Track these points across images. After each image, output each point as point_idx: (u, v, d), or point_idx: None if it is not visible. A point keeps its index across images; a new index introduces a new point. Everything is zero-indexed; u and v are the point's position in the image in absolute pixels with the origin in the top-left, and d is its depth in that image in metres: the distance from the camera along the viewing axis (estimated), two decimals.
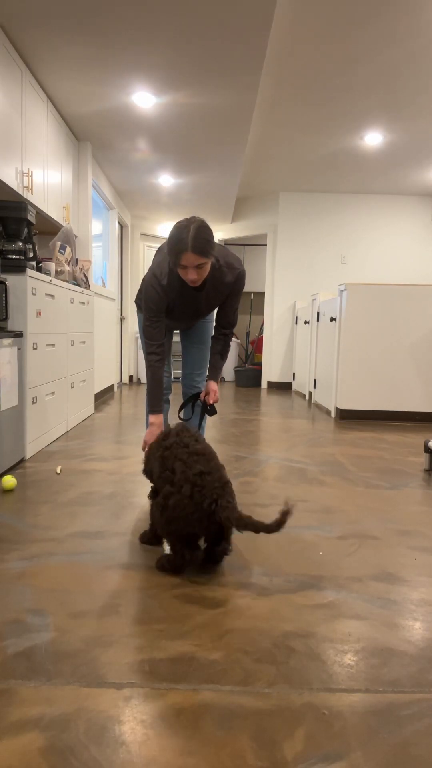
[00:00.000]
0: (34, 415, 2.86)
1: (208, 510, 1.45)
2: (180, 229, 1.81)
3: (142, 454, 2.97)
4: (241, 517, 1.43)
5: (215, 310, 2.29)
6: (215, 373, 2.23)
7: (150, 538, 1.75)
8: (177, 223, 1.85)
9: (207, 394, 2.20)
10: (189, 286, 2.03)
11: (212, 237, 1.85)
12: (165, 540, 1.62)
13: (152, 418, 2.05)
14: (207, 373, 2.31)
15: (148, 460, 1.82)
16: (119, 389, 6.24)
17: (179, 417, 2.23)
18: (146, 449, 1.92)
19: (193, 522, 1.48)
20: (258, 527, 1.40)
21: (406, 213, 6.59)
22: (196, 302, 2.10)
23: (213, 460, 1.58)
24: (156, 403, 2.05)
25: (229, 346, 2.26)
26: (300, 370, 6.26)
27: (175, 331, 2.50)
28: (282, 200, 6.57)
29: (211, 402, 2.18)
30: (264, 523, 1.39)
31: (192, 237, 1.79)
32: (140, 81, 3.32)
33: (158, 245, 7.39)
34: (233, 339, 7.91)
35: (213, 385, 2.20)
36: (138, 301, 2.15)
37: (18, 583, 1.46)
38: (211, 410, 2.20)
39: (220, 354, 2.24)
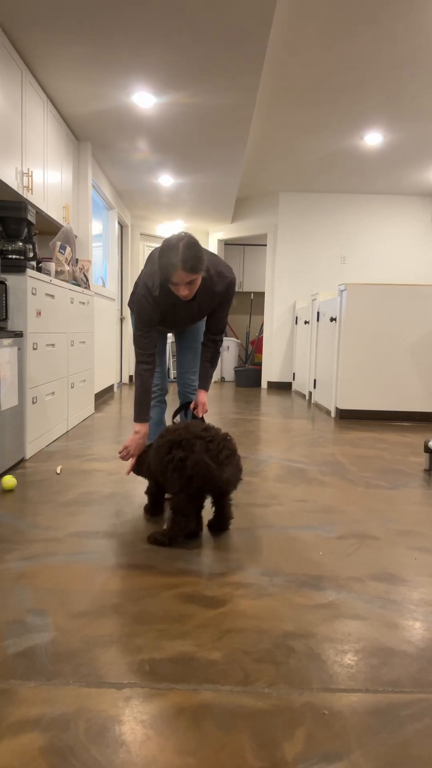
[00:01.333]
0: (34, 415, 2.86)
1: (224, 460, 1.65)
2: (170, 249, 1.82)
3: (126, 462, 2.77)
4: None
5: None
6: (205, 382, 2.23)
7: (151, 508, 2.00)
8: (166, 240, 1.86)
9: (196, 407, 2.21)
10: (180, 300, 2.04)
11: (202, 253, 1.85)
12: (173, 505, 1.72)
13: (137, 427, 2.06)
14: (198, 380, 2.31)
15: (140, 460, 1.98)
16: (119, 389, 6.24)
17: (173, 422, 2.23)
18: (133, 456, 2.03)
19: (213, 474, 1.64)
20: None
21: (406, 213, 6.59)
22: (188, 311, 2.11)
23: (214, 428, 1.77)
24: (143, 411, 2.06)
25: (219, 353, 2.26)
26: (300, 370, 6.26)
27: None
28: (282, 200, 6.57)
29: (200, 416, 2.19)
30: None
31: (182, 255, 1.80)
32: (140, 81, 3.32)
33: (158, 245, 7.38)
34: (233, 339, 7.92)
35: (202, 397, 2.22)
36: (131, 305, 2.14)
37: (18, 583, 1.46)
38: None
39: (210, 362, 2.24)
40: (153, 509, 2.02)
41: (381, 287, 4.36)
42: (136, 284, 2.07)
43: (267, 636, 1.24)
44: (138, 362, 2.06)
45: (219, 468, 1.64)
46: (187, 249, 1.81)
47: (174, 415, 2.25)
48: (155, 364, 2.09)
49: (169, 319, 2.14)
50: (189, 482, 1.65)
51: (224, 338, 7.70)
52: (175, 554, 1.68)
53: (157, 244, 7.58)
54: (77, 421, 3.83)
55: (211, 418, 4.30)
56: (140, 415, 2.06)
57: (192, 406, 2.23)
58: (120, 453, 2.04)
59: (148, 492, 2.00)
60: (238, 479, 1.74)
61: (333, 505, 2.21)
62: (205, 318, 2.23)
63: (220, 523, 1.82)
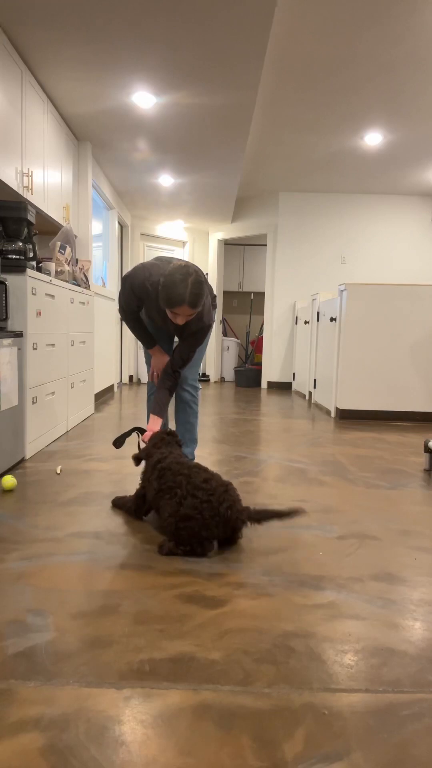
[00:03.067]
0: (34, 415, 2.86)
1: (225, 515, 1.64)
2: (177, 283, 1.93)
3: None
4: (256, 512, 1.68)
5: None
6: (160, 409, 2.27)
7: (127, 505, 1.99)
8: (174, 270, 1.95)
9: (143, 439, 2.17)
10: (161, 309, 2.24)
11: (204, 290, 1.99)
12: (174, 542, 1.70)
13: (152, 351, 2.41)
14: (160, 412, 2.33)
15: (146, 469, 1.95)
16: (119, 389, 6.24)
17: (114, 444, 2.28)
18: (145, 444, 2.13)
19: (211, 526, 1.64)
20: (273, 515, 1.67)
21: (406, 213, 6.59)
22: (163, 320, 2.31)
23: (209, 471, 1.78)
24: (148, 340, 2.39)
25: (176, 386, 2.36)
26: (300, 370, 6.26)
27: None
28: (282, 200, 6.57)
29: (138, 450, 2.10)
30: (278, 510, 1.67)
31: (189, 292, 1.93)
32: (140, 81, 3.32)
33: (158, 245, 7.40)
34: (233, 339, 7.92)
35: (153, 425, 2.23)
36: (124, 280, 2.26)
37: (18, 583, 1.46)
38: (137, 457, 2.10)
39: (169, 390, 2.32)
40: (136, 513, 1.99)
41: (381, 287, 4.36)
42: (137, 271, 2.22)
43: (267, 636, 1.24)
44: (125, 319, 2.34)
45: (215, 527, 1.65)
46: (195, 286, 1.94)
47: (117, 440, 2.26)
48: (138, 316, 2.34)
49: (149, 315, 2.35)
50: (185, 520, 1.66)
51: (224, 338, 7.75)
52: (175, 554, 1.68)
53: (157, 244, 7.61)
54: (77, 421, 3.83)
55: (211, 418, 4.30)
56: (148, 344, 2.40)
57: (143, 437, 2.18)
58: (152, 377, 2.40)
59: (137, 496, 1.98)
60: (238, 527, 1.71)
61: (333, 505, 2.21)
62: (213, 319, 2.35)
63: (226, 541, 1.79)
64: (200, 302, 1.99)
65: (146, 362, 2.50)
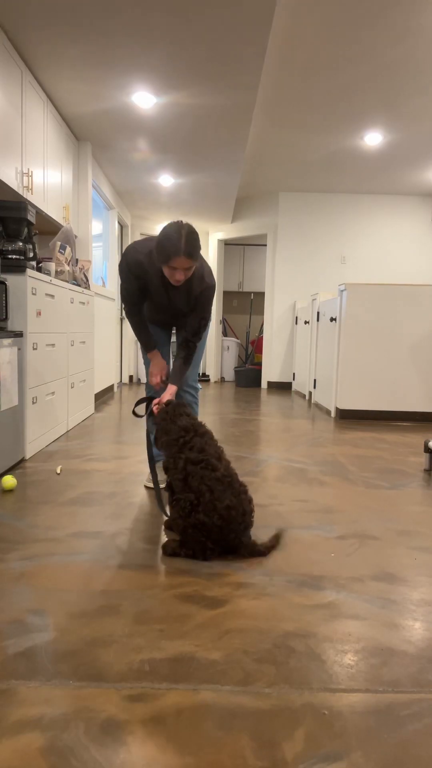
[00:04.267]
0: (34, 415, 2.86)
1: (233, 541, 1.66)
2: (172, 235, 1.93)
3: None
4: (259, 550, 1.69)
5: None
6: (176, 378, 2.27)
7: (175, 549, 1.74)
8: (167, 226, 1.96)
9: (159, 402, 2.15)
10: (163, 278, 2.16)
11: (199, 243, 1.98)
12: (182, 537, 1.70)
13: (150, 355, 2.35)
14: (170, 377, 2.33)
15: (163, 442, 1.87)
16: (119, 389, 6.24)
17: (133, 412, 2.27)
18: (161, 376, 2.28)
19: (217, 541, 1.66)
20: (257, 553, 1.68)
21: (406, 213, 6.59)
22: (169, 292, 2.22)
23: (235, 483, 1.71)
24: (148, 343, 2.33)
25: (192, 356, 2.32)
26: (300, 370, 6.26)
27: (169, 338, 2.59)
28: (282, 200, 6.57)
29: (154, 409, 2.08)
30: (260, 549, 1.69)
31: (185, 242, 1.91)
32: (140, 81, 3.32)
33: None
34: (233, 339, 7.91)
35: (165, 394, 2.19)
36: (120, 265, 2.23)
37: (18, 583, 1.46)
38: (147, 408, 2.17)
39: (184, 359, 2.28)
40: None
41: (381, 287, 4.36)
42: (126, 251, 2.19)
43: (267, 636, 1.23)
44: (126, 312, 2.29)
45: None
46: (189, 237, 1.93)
47: (135, 405, 2.28)
48: (141, 309, 2.29)
49: (151, 295, 2.25)
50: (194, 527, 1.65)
51: (224, 338, 7.75)
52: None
53: None
54: (77, 421, 3.83)
55: (211, 418, 4.30)
56: (148, 348, 2.34)
57: (155, 401, 2.15)
58: (153, 382, 2.31)
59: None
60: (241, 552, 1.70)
61: (333, 505, 2.21)
62: (201, 334, 2.31)
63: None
64: (196, 253, 1.97)
65: (145, 364, 2.46)
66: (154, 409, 2.06)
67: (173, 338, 2.55)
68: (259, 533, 1.86)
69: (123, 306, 2.31)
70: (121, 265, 2.20)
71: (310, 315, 5.72)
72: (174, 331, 2.56)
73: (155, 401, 2.10)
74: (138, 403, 2.27)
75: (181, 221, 1.98)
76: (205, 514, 1.61)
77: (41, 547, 1.71)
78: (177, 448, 1.78)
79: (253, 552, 1.67)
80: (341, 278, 6.66)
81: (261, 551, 1.68)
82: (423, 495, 2.37)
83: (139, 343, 2.36)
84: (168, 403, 2.01)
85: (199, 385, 2.57)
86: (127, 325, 6.85)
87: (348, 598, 1.43)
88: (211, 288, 2.23)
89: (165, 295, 2.23)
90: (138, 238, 7.02)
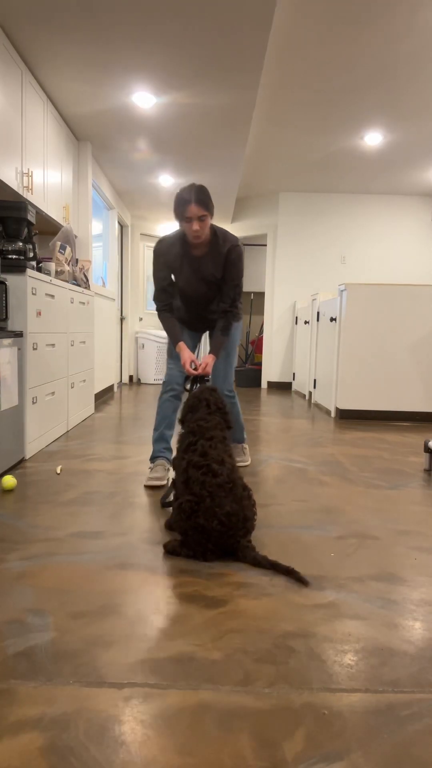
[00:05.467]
0: (34, 415, 2.86)
1: (233, 546, 1.64)
2: (183, 190, 2.22)
3: (143, 454, 2.98)
4: (256, 558, 1.61)
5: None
6: (214, 347, 2.44)
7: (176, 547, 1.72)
8: (180, 189, 2.24)
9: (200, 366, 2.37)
10: (191, 254, 2.37)
11: (210, 196, 2.23)
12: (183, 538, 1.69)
13: (178, 347, 2.41)
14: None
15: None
16: (119, 389, 6.24)
17: (185, 388, 2.42)
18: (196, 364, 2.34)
19: (217, 544, 1.64)
20: (272, 566, 1.58)
21: (406, 213, 6.59)
22: (199, 266, 2.39)
23: (237, 489, 1.67)
24: (176, 336, 2.43)
25: (231, 324, 2.45)
26: (300, 370, 6.26)
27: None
28: (282, 200, 6.57)
29: (201, 373, 2.33)
30: (272, 563, 1.58)
31: (194, 193, 2.19)
32: (140, 81, 3.32)
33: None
34: None
35: (208, 358, 2.40)
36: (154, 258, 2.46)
37: (18, 583, 1.46)
38: (202, 382, 2.36)
39: (221, 330, 2.44)
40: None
41: (381, 287, 4.36)
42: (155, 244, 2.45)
43: (267, 636, 1.23)
44: (158, 309, 2.46)
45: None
46: (199, 189, 2.21)
47: (189, 386, 2.40)
48: (172, 306, 2.46)
49: (184, 274, 2.41)
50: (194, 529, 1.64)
51: None
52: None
53: None
54: (77, 421, 3.83)
55: None
56: (176, 340, 2.43)
57: (193, 361, 2.36)
58: (187, 370, 2.34)
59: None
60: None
61: (333, 505, 2.21)
62: (237, 303, 2.46)
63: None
64: (208, 202, 2.20)
65: (169, 356, 2.52)
66: (189, 370, 2.31)
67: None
68: (259, 533, 1.86)
69: (155, 302, 2.46)
70: (154, 258, 2.43)
71: (310, 315, 5.72)
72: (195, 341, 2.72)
73: (193, 361, 2.34)
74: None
75: (193, 183, 2.25)
76: (205, 519, 1.60)
77: (41, 547, 1.71)
78: (183, 449, 1.78)
79: (253, 561, 1.61)
80: (341, 278, 6.66)
81: (261, 563, 1.59)
82: (423, 495, 2.37)
83: (168, 341, 2.50)
84: (204, 380, 2.24)
85: (234, 392, 2.70)
86: (127, 324, 6.86)
87: (348, 598, 1.43)
88: (238, 247, 2.38)
89: (196, 271, 2.39)
90: (138, 238, 7.03)
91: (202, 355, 6.84)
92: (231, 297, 2.42)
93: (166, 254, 2.38)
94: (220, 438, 1.80)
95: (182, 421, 1.95)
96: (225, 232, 2.40)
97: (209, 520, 1.60)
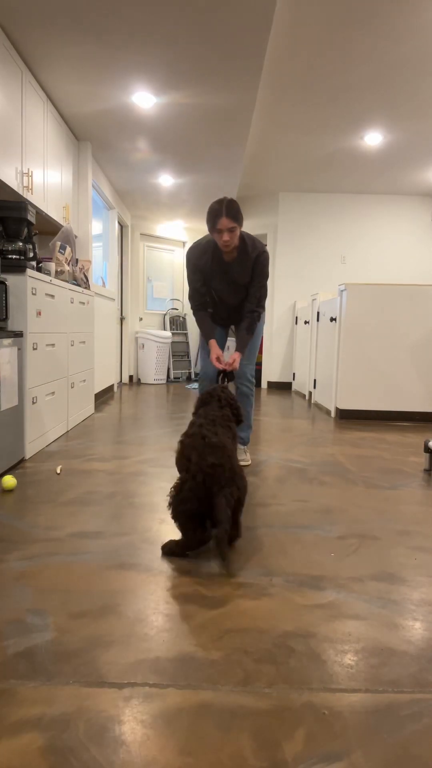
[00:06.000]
0: (34, 415, 2.86)
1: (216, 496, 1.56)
2: (215, 203, 2.41)
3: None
4: (225, 532, 1.50)
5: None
6: (239, 345, 2.65)
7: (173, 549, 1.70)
8: (213, 202, 2.43)
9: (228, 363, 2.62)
10: (222, 261, 2.56)
11: (240, 209, 2.41)
12: (176, 523, 1.66)
13: (210, 344, 2.64)
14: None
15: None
16: (119, 389, 6.24)
17: (217, 381, 2.65)
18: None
19: (204, 504, 1.58)
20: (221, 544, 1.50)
21: (406, 213, 6.58)
22: (228, 272, 2.60)
23: (226, 452, 1.65)
24: (209, 333, 2.66)
25: (255, 324, 2.66)
26: (300, 370, 6.26)
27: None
28: (282, 200, 6.57)
29: (229, 369, 2.60)
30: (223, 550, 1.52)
31: (225, 206, 2.37)
32: (140, 81, 3.32)
33: (158, 245, 7.41)
34: (233, 339, 7.91)
35: (235, 355, 2.64)
36: (186, 263, 2.67)
37: (18, 583, 1.46)
38: (230, 376, 2.64)
39: (246, 329, 2.64)
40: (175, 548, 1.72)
41: (381, 287, 4.36)
42: (187, 251, 2.68)
43: (267, 636, 1.23)
44: (194, 311, 2.69)
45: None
46: (230, 203, 2.39)
47: (218, 380, 2.65)
48: (207, 306, 2.67)
49: (216, 279, 2.62)
50: (182, 503, 1.62)
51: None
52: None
53: (157, 244, 7.65)
54: (77, 421, 3.83)
55: None
56: (208, 337, 2.66)
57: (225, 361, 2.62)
58: (215, 363, 2.58)
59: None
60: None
61: (333, 505, 2.21)
62: (263, 302, 2.66)
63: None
64: (238, 215, 2.38)
65: (201, 349, 2.76)
66: (216, 364, 2.57)
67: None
68: (259, 533, 1.86)
69: (190, 302, 2.68)
70: (187, 264, 2.62)
71: (310, 315, 5.72)
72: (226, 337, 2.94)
73: (219, 357, 2.59)
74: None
75: (225, 196, 2.44)
76: (191, 475, 1.57)
77: (41, 547, 1.71)
78: (184, 433, 1.79)
79: (217, 515, 1.52)
80: (341, 278, 6.66)
81: (221, 517, 1.50)
82: (423, 495, 2.37)
83: (200, 336, 2.73)
84: (225, 380, 2.47)
85: (254, 380, 2.88)
86: (127, 324, 6.86)
87: (348, 598, 1.43)
88: (265, 253, 2.57)
89: (227, 277, 2.60)
90: (138, 238, 7.03)
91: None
92: (257, 297, 2.61)
93: (197, 261, 2.59)
94: (223, 423, 1.82)
95: (194, 414, 2.03)
96: (253, 239, 2.57)
97: (195, 475, 1.57)
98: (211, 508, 1.56)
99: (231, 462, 1.63)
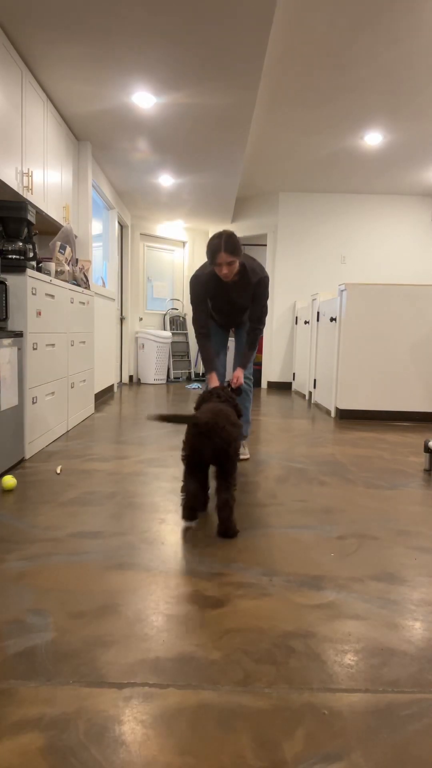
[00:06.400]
0: (34, 415, 2.86)
1: (218, 448, 1.82)
2: (215, 238, 2.48)
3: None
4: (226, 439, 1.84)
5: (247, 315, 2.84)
6: (242, 361, 2.81)
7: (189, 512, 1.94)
8: (212, 235, 2.56)
9: (231, 379, 2.76)
10: (223, 284, 2.66)
11: (239, 242, 2.47)
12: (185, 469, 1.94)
13: (209, 376, 2.74)
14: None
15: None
16: (119, 389, 6.24)
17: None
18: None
19: (205, 442, 1.82)
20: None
21: (406, 213, 6.59)
22: (230, 297, 2.73)
23: (227, 414, 1.95)
24: (208, 365, 2.75)
25: (256, 341, 2.78)
26: (300, 370, 6.26)
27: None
28: (282, 200, 6.57)
29: (234, 386, 2.71)
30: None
31: (224, 241, 2.44)
32: (140, 81, 3.32)
33: (158, 245, 7.42)
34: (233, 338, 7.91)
35: (237, 372, 2.78)
36: (190, 290, 2.75)
37: (18, 583, 1.46)
38: (237, 392, 2.70)
39: (249, 345, 2.79)
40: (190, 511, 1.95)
41: (381, 287, 4.36)
42: (190, 279, 2.73)
43: (267, 636, 1.23)
44: (196, 335, 2.75)
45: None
46: (228, 238, 2.46)
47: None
48: (209, 332, 2.75)
49: (218, 308, 2.78)
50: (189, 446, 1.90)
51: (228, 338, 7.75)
52: (175, 554, 1.68)
53: (157, 244, 7.66)
54: (77, 421, 3.83)
55: None
56: (209, 370, 2.75)
57: (228, 380, 2.77)
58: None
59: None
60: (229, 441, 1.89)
61: (333, 505, 2.21)
62: (263, 320, 2.77)
63: (223, 530, 1.85)
64: (236, 250, 2.44)
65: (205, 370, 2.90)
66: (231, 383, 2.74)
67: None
68: (260, 533, 1.86)
69: (194, 325, 2.76)
70: (190, 292, 2.71)
71: (310, 315, 5.72)
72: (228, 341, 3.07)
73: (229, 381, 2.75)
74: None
75: (225, 230, 2.50)
76: (194, 426, 1.85)
77: (41, 547, 1.71)
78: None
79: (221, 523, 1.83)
80: (341, 278, 6.66)
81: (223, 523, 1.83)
82: (423, 495, 2.37)
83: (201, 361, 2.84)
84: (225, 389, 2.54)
85: (252, 377, 3.00)
86: (127, 324, 6.86)
87: (348, 598, 1.43)
88: (266, 279, 2.68)
89: (228, 299, 2.72)
90: (138, 238, 7.03)
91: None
92: (258, 316, 2.73)
93: (201, 288, 2.69)
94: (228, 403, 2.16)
95: (196, 410, 2.20)
96: (253, 266, 2.67)
97: (195, 424, 1.85)
98: (209, 443, 1.83)
99: (233, 413, 1.95)
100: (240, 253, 2.50)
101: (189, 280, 2.73)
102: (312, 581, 1.52)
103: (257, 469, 2.74)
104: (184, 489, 1.90)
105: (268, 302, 6.74)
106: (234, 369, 2.90)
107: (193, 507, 1.89)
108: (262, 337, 7.86)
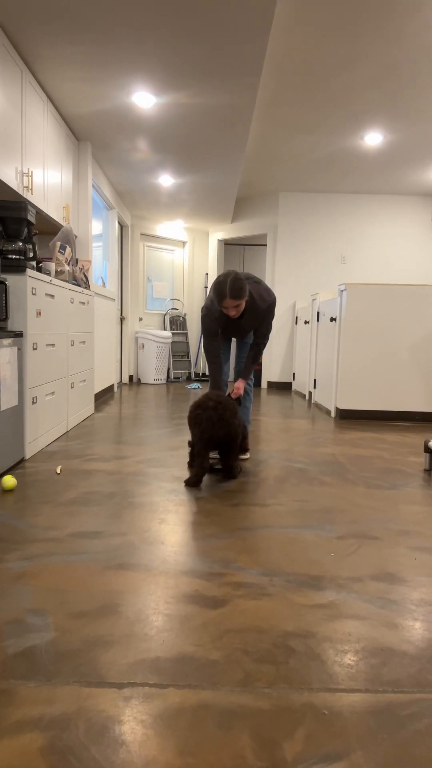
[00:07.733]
0: (34, 415, 2.86)
1: (224, 417, 2.37)
2: (220, 284, 2.53)
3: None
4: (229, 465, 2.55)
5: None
6: (244, 373, 2.92)
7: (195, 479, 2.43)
8: (217, 277, 2.56)
9: (232, 390, 2.87)
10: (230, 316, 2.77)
11: (244, 284, 2.52)
12: (193, 449, 2.42)
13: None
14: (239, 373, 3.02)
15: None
16: (119, 389, 6.24)
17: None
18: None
19: (216, 426, 2.37)
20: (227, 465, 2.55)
21: (406, 213, 6.59)
22: (238, 326, 2.84)
23: (227, 407, 2.43)
24: (217, 384, 2.88)
25: (260, 354, 2.90)
26: (300, 370, 6.26)
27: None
28: (282, 200, 6.57)
29: (234, 397, 2.81)
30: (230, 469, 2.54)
31: (229, 288, 2.50)
32: (140, 81, 3.32)
33: (158, 245, 7.41)
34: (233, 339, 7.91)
35: (239, 383, 2.89)
36: (201, 320, 2.86)
37: (18, 583, 1.46)
38: (237, 402, 2.83)
39: (252, 358, 2.90)
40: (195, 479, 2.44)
41: (381, 287, 4.36)
42: (203, 307, 2.82)
43: (267, 636, 1.23)
44: (208, 363, 2.88)
45: (220, 421, 2.38)
46: (233, 282, 2.50)
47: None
48: (220, 363, 2.87)
49: (227, 330, 2.89)
50: (201, 432, 2.38)
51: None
52: (175, 554, 1.68)
53: (157, 244, 7.67)
54: (77, 421, 3.83)
55: None
56: (215, 388, 2.86)
57: (228, 391, 2.97)
58: None
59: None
60: (236, 432, 2.43)
61: (333, 505, 2.21)
62: (268, 335, 2.91)
63: (227, 472, 2.54)
64: (241, 293, 2.50)
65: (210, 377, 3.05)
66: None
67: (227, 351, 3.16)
68: (260, 533, 1.86)
69: (205, 350, 2.87)
70: (201, 319, 2.80)
71: (310, 315, 5.72)
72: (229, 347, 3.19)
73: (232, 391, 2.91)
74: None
75: (230, 271, 2.56)
76: (200, 408, 2.40)
77: (41, 547, 1.71)
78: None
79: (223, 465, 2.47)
80: (341, 278, 6.66)
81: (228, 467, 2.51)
82: (423, 495, 2.37)
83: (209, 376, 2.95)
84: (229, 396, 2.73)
85: (252, 377, 3.13)
86: (127, 324, 6.86)
87: (348, 598, 1.43)
88: (273, 304, 2.78)
89: (237, 326, 2.83)
90: (138, 238, 7.04)
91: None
92: (263, 332, 2.83)
93: (213, 323, 2.76)
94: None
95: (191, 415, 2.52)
96: (261, 293, 2.72)
97: (209, 402, 2.37)
98: (219, 427, 2.37)
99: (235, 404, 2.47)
100: (245, 294, 2.53)
101: (200, 310, 2.83)
102: (312, 581, 1.52)
103: (257, 469, 2.74)
104: (198, 464, 2.38)
105: None
106: (235, 379, 2.99)
107: (200, 480, 2.41)
108: None
